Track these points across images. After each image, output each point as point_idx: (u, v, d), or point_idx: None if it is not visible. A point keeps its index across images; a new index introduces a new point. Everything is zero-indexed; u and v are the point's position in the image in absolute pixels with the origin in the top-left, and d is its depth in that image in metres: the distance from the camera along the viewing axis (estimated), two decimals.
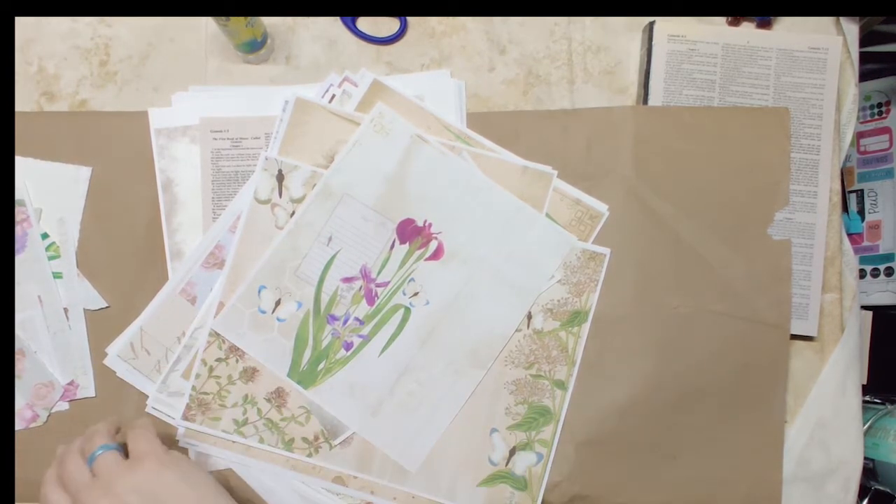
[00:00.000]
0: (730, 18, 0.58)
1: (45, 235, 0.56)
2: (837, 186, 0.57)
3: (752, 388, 0.55)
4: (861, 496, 0.63)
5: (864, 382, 0.59)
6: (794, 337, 0.56)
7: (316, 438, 0.54)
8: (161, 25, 0.58)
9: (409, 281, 0.55)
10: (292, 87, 0.57)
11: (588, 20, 0.58)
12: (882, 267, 0.80)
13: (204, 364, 0.54)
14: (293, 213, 0.55)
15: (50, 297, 0.55)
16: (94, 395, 0.55)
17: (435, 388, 0.54)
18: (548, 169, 0.56)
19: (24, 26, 0.58)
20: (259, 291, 0.54)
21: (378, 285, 0.55)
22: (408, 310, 0.55)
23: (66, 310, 0.55)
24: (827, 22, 0.58)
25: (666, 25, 0.56)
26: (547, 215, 0.55)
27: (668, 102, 0.56)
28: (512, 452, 0.54)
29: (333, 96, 0.56)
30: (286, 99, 0.55)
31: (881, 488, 0.66)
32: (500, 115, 0.57)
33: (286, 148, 0.55)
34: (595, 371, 0.55)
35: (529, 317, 0.55)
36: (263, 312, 0.54)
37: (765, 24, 0.58)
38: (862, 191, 0.83)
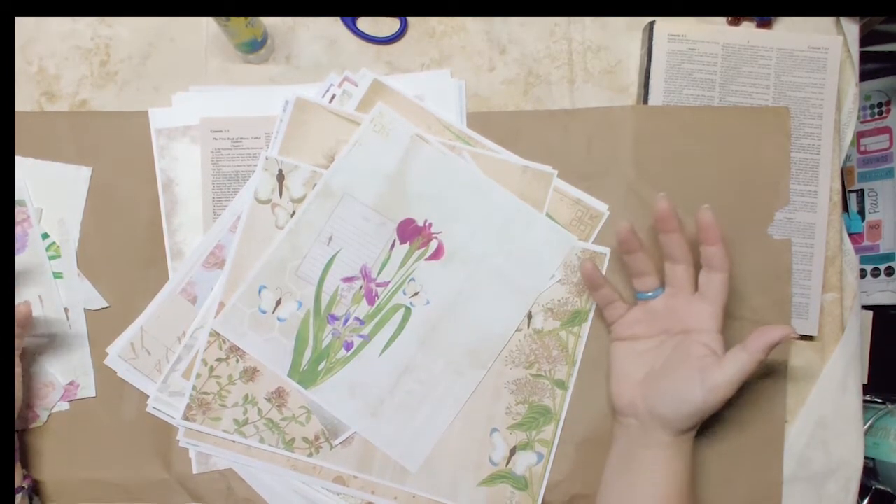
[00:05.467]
0: (730, 18, 0.58)
1: (45, 235, 0.56)
2: (838, 186, 0.57)
3: (753, 389, 0.55)
4: (861, 496, 0.63)
5: (865, 382, 0.59)
6: None
7: (316, 438, 0.54)
8: (161, 25, 0.58)
9: (410, 281, 0.55)
10: (292, 86, 0.57)
11: (588, 20, 0.58)
12: (882, 267, 0.80)
13: (204, 364, 0.54)
14: (293, 213, 0.55)
15: (50, 297, 0.55)
16: (94, 395, 0.55)
17: (435, 388, 0.54)
18: (548, 169, 0.56)
19: (24, 26, 0.58)
20: (259, 291, 0.54)
21: (378, 285, 0.55)
22: (408, 309, 0.55)
23: (66, 310, 0.55)
24: (827, 22, 0.58)
25: (666, 25, 0.56)
26: (547, 215, 0.55)
27: (668, 102, 0.56)
28: (512, 452, 0.54)
29: (333, 96, 0.56)
30: (286, 99, 0.55)
31: (882, 488, 0.66)
32: (500, 114, 0.57)
33: (286, 148, 0.55)
34: (595, 371, 0.55)
35: (530, 316, 0.55)
36: (264, 312, 0.54)
37: (765, 24, 0.58)
38: (862, 190, 0.83)
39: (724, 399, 0.46)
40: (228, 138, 0.56)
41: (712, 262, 0.48)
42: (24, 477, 0.52)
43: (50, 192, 0.56)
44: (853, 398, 0.56)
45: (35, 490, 0.53)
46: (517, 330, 0.55)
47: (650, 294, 0.51)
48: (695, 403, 0.47)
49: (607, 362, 0.53)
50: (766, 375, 0.55)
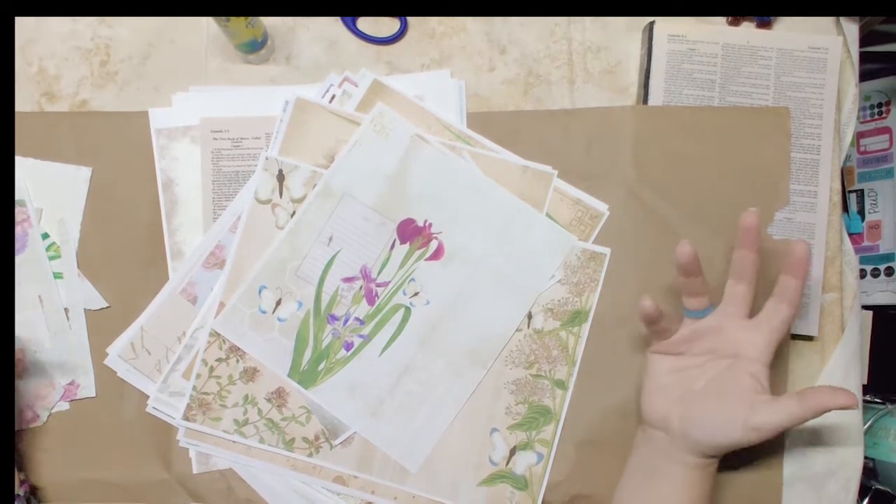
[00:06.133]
0: (730, 18, 0.58)
1: (45, 235, 0.56)
2: (838, 186, 0.57)
3: None
4: (861, 496, 0.63)
5: (865, 382, 0.59)
6: (795, 337, 0.56)
7: (316, 438, 0.54)
8: (161, 25, 0.58)
9: (410, 281, 0.55)
10: (292, 87, 0.57)
11: (588, 20, 0.58)
12: (882, 267, 0.80)
13: (204, 364, 0.54)
14: (293, 213, 0.55)
15: (50, 297, 0.55)
16: (94, 395, 0.55)
17: (435, 388, 0.54)
18: (548, 169, 0.56)
19: (24, 26, 0.58)
20: (259, 291, 0.54)
21: (378, 285, 0.55)
22: (408, 310, 0.55)
23: (66, 310, 0.55)
24: (827, 22, 0.58)
25: (666, 25, 0.56)
26: (547, 215, 0.55)
27: (668, 102, 0.56)
28: (512, 452, 0.54)
29: (333, 96, 0.56)
30: (286, 99, 0.55)
31: (881, 488, 0.66)
32: (500, 115, 0.57)
33: (286, 148, 0.55)
34: (595, 371, 0.55)
35: (530, 316, 0.55)
36: (264, 312, 0.54)
37: (765, 24, 0.58)
38: (862, 191, 0.83)
39: (761, 440, 0.45)
40: (228, 138, 0.56)
41: (788, 295, 0.46)
42: (22, 483, 0.52)
43: (50, 192, 0.56)
44: None
45: (33, 493, 0.53)
46: (517, 330, 0.55)
47: (700, 313, 0.48)
48: (732, 438, 0.45)
49: (642, 371, 0.51)
50: None
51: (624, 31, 0.58)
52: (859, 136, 0.84)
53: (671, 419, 0.48)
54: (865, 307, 0.77)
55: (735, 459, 0.54)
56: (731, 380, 0.47)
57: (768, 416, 0.44)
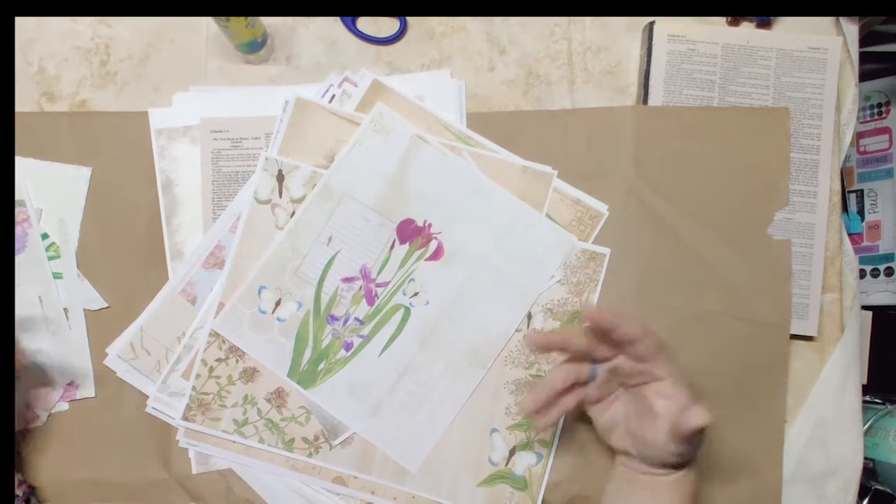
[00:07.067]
0: (730, 18, 0.58)
1: (45, 236, 0.56)
2: (837, 186, 0.57)
3: (753, 389, 0.55)
4: (861, 496, 0.63)
5: (864, 382, 0.59)
6: (795, 337, 0.56)
7: (316, 438, 0.54)
8: (161, 26, 0.58)
9: (409, 281, 0.55)
10: (292, 87, 0.57)
11: (588, 20, 0.58)
12: (882, 267, 0.80)
13: (204, 364, 0.54)
14: (293, 214, 0.55)
15: (50, 297, 0.55)
16: (93, 396, 0.55)
17: (435, 388, 0.54)
18: (548, 169, 0.56)
19: (24, 26, 0.58)
20: (259, 292, 0.54)
21: (378, 285, 0.55)
22: (408, 310, 0.55)
23: (66, 310, 0.55)
24: (827, 22, 0.58)
25: (666, 25, 0.56)
26: (547, 215, 0.55)
27: (668, 102, 0.56)
28: (512, 452, 0.54)
29: (333, 96, 0.56)
30: (286, 99, 0.55)
31: (881, 488, 0.66)
32: (500, 115, 0.57)
33: (286, 148, 0.55)
34: None
35: (529, 317, 0.55)
36: (264, 313, 0.54)
37: (765, 24, 0.58)
38: (862, 191, 0.83)
39: (682, 421, 0.44)
40: (228, 138, 0.56)
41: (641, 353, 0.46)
42: (20, 483, 0.52)
43: (50, 192, 0.56)
44: (853, 399, 0.56)
45: (32, 493, 0.53)
46: (517, 330, 0.55)
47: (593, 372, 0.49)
48: (652, 436, 0.46)
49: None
50: (766, 375, 0.55)
51: (624, 31, 0.58)
52: (859, 136, 0.84)
53: (623, 448, 0.49)
54: (865, 307, 0.77)
55: (734, 459, 0.54)
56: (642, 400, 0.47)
57: (666, 399, 0.45)
